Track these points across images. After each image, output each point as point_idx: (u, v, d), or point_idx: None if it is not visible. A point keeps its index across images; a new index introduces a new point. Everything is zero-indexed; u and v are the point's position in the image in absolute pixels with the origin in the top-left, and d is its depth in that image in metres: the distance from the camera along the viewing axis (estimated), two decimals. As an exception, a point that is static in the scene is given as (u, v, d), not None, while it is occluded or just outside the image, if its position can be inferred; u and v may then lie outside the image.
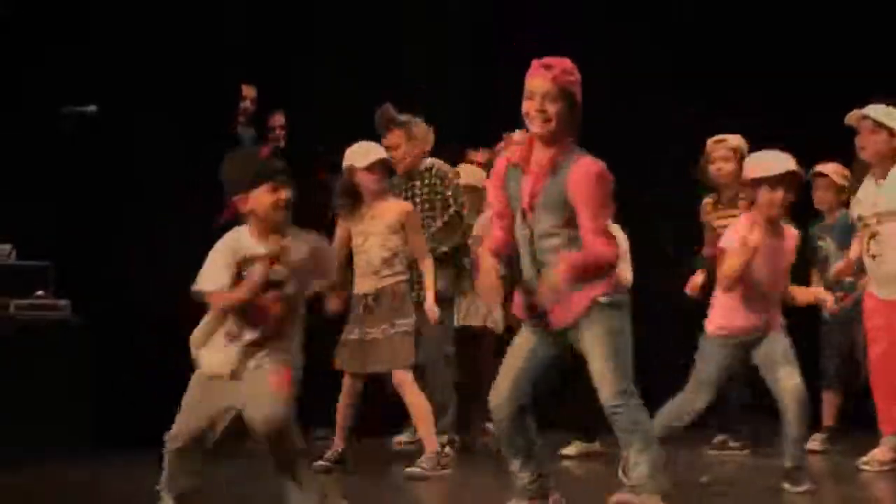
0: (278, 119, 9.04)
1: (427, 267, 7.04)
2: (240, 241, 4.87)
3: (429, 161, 7.72)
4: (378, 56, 9.66)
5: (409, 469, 6.84)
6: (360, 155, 7.01)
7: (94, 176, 8.52)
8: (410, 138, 7.53)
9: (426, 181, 7.63)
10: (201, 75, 8.84)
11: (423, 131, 7.62)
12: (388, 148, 7.35)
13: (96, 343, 8.17)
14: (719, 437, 8.00)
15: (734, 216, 6.93)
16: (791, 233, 6.23)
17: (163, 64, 8.76)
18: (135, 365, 8.39)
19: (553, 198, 4.84)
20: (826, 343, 8.10)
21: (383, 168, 7.04)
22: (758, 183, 5.99)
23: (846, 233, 7.58)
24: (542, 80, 4.82)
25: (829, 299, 6.75)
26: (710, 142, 7.80)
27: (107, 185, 8.59)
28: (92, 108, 8.25)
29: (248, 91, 8.96)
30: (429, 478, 6.76)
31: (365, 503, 6.11)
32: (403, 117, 7.57)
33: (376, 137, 7.46)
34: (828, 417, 8.03)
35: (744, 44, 9.84)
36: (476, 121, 9.54)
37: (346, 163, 7.05)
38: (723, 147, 7.70)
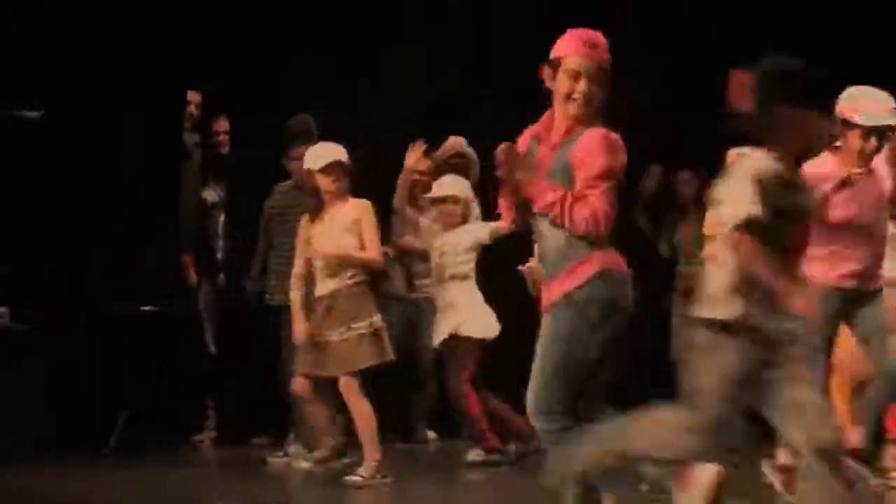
0: (222, 124, 8.99)
1: (369, 255, 7.02)
2: None
3: None
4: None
5: (348, 478, 6.82)
6: (316, 157, 7.03)
7: (35, 181, 8.48)
8: None
9: None
10: (150, 80, 8.82)
11: None
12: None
13: (37, 349, 8.13)
14: None
15: None
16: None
17: (107, 69, 8.72)
18: (77, 370, 8.35)
19: (558, 168, 4.53)
20: None
21: (340, 169, 7.02)
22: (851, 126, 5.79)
23: None
24: (586, 60, 4.53)
25: None
26: None
27: (46, 191, 8.54)
28: (35, 113, 8.20)
29: (193, 97, 8.92)
30: (368, 486, 6.75)
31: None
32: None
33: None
34: None
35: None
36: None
37: (305, 166, 7.08)
38: None
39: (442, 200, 7.69)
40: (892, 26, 9.03)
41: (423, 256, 8.08)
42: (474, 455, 7.60)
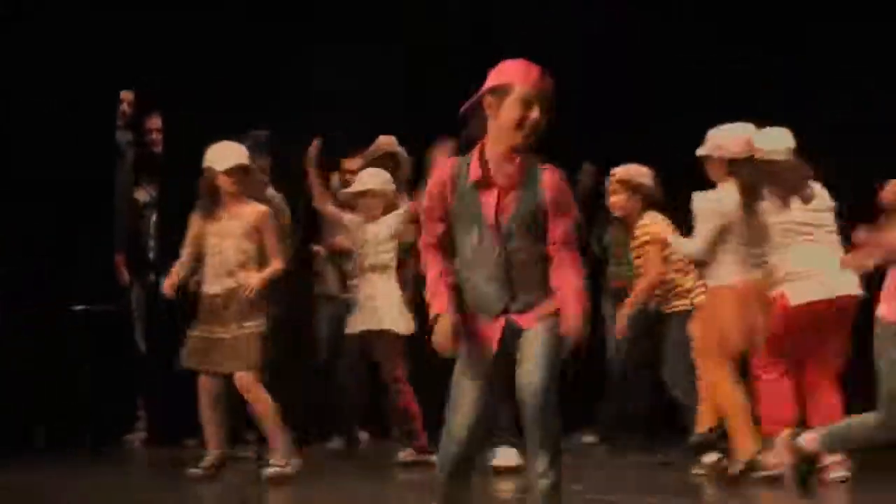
0: (154, 122, 8.95)
1: (275, 267, 7.07)
2: None
3: (270, 192, 7.96)
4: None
5: (267, 471, 6.87)
6: (221, 157, 7.07)
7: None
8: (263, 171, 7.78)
9: None
10: (80, 79, 8.78)
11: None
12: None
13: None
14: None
15: None
16: None
17: (36, 67, 8.67)
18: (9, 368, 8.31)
19: (525, 212, 4.46)
20: None
21: (242, 173, 7.10)
22: None
23: None
24: (538, 88, 4.47)
25: None
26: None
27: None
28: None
29: (126, 95, 8.88)
30: (286, 475, 6.79)
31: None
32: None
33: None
34: None
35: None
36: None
37: (206, 163, 7.10)
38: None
39: (362, 195, 7.82)
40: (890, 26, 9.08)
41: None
42: (406, 455, 7.63)
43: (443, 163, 4.67)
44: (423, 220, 4.57)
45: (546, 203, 4.45)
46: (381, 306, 7.66)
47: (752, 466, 6.64)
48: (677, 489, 6.80)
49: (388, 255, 7.74)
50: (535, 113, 4.43)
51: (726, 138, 6.89)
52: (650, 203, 7.45)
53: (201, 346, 6.96)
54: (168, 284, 7.06)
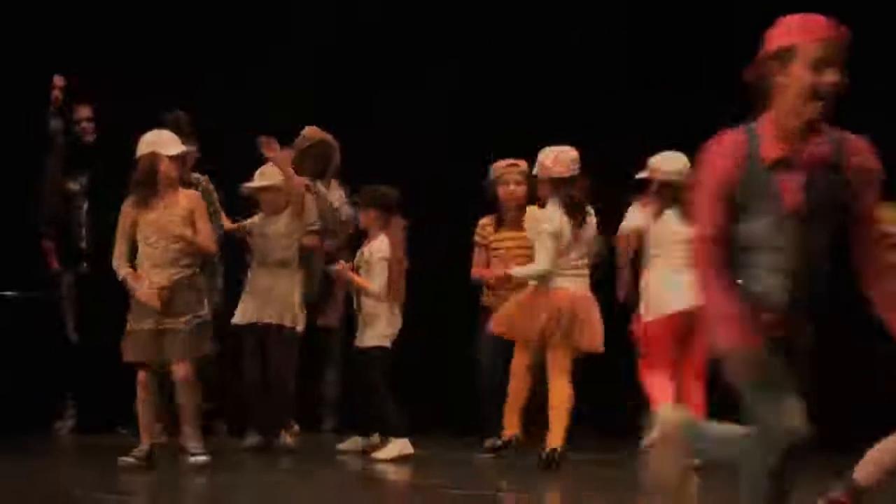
0: (84, 112, 8.89)
1: (211, 251, 7.27)
2: None
3: (196, 175, 8.05)
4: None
5: (192, 459, 6.98)
6: (165, 143, 7.09)
7: None
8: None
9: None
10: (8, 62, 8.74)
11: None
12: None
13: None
14: None
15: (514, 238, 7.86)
16: None
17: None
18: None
19: (833, 193, 3.87)
20: None
21: (182, 160, 7.25)
22: None
23: None
24: (835, 41, 3.80)
25: None
26: (501, 164, 8.10)
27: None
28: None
29: (57, 80, 8.82)
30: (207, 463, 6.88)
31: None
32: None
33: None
34: None
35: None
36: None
37: (147, 149, 7.07)
38: (516, 171, 8.00)
39: (264, 190, 7.96)
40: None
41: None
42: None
43: (724, 140, 3.91)
44: (700, 208, 3.90)
45: (854, 178, 3.86)
46: (277, 301, 7.86)
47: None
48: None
49: (289, 252, 7.93)
50: (829, 76, 3.77)
51: (552, 159, 7.38)
52: None
53: (147, 339, 6.95)
54: (142, 286, 6.99)
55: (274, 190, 7.94)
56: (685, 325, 7.06)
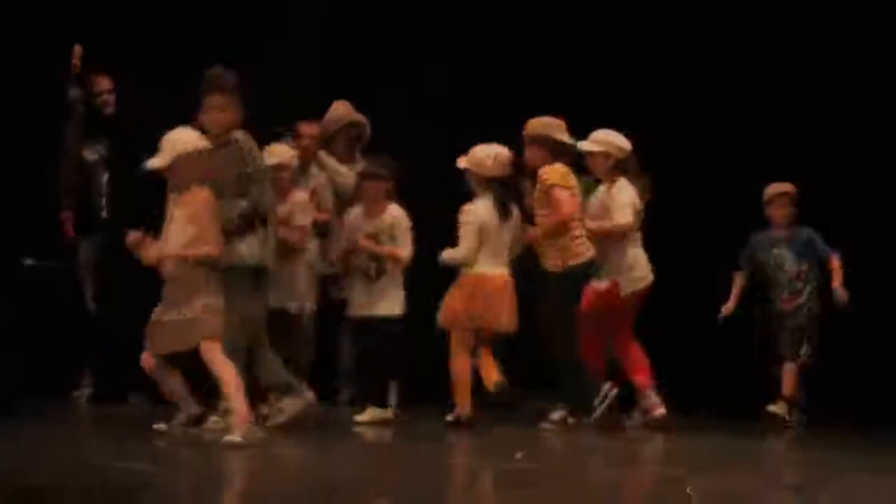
0: (104, 83, 8.92)
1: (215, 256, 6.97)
2: None
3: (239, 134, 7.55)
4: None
5: (225, 439, 6.96)
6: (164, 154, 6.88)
7: None
8: (234, 106, 7.35)
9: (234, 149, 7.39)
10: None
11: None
12: (213, 108, 7.27)
13: None
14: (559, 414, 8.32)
15: None
16: None
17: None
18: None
19: None
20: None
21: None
22: None
23: (805, 245, 9.06)
24: None
25: None
26: None
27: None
28: None
29: (76, 50, 8.85)
30: (244, 446, 6.86)
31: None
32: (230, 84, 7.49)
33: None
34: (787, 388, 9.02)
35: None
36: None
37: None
38: None
39: (272, 168, 7.71)
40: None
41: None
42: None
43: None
44: None
45: None
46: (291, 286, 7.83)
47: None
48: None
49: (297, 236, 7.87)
50: None
51: (492, 159, 8.03)
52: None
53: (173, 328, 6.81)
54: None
55: (282, 168, 7.84)
56: (640, 300, 8.31)
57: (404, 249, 8.04)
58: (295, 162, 8.02)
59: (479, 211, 8.04)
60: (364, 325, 8.09)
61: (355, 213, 8.22)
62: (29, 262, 8.87)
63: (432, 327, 8.12)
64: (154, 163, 6.84)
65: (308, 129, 8.64)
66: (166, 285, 6.83)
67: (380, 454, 7.06)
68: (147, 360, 6.91)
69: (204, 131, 7.12)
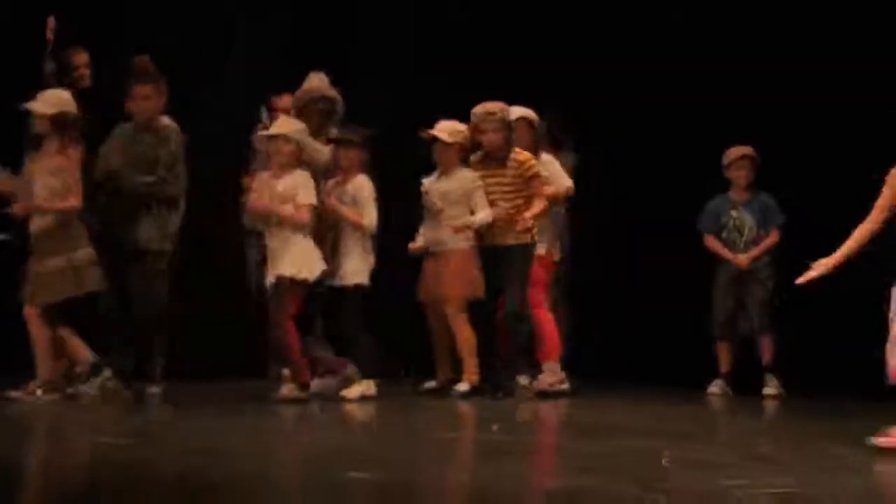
0: (80, 58, 8.87)
1: (75, 208, 7.67)
2: None
3: (165, 119, 8.02)
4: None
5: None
6: (50, 104, 7.69)
7: None
8: (160, 93, 7.88)
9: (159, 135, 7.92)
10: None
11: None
12: (141, 98, 7.84)
13: None
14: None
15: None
16: None
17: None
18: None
19: None
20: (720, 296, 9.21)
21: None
22: None
23: (763, 211, 9.13)
24: None
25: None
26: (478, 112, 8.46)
27: None
28: None
29: (49, 22, 8.81)
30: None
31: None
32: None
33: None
34: (724, 364, 9.22)
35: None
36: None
37: (41, 109, 7.71)
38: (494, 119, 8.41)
39: (274, 138, 7.86)
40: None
41: None
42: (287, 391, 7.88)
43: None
44: None
45: None
46: (289, 256, 7.80)
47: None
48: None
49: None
50: None
51: (451, 127, 8.33)
52: None
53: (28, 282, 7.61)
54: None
55: (284, 140, 7.88)
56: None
57: (366, 217, 8.08)
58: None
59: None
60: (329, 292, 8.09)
61: (330, 184, 8.24)
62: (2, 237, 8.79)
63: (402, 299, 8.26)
64: (38, 108, 7.74)
65: (282, 102, 8.69)
66: (38, 237, 7.53)
67: (357, 426, 7.10)
68: (30, 312, 7.45)
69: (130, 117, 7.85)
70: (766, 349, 9.12)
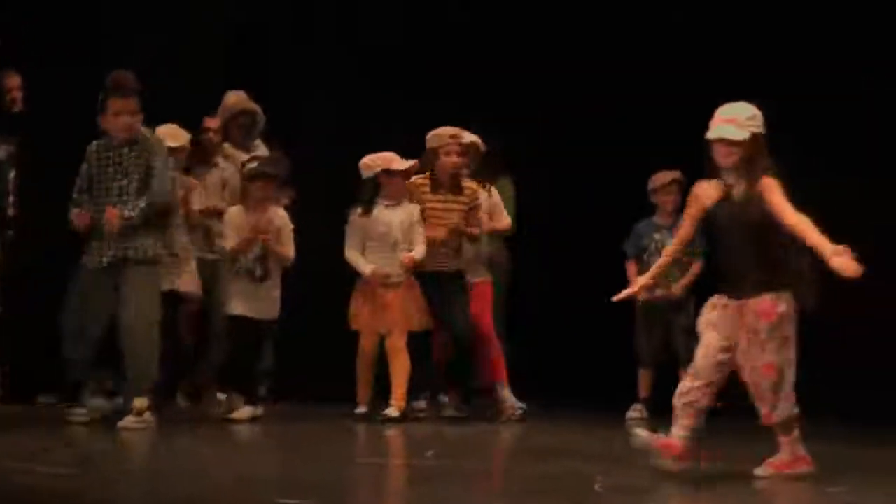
0: (12, 81, 8.78)
1: None
2: None
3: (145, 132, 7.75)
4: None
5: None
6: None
7: None
8: (137, 108, 7.55)
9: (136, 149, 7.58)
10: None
11: None
12: (117, 112, 7.43)
13: None
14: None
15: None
16: None
17: None
18: None
19: None
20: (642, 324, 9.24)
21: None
22: None
23: None
24: None
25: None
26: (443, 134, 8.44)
27: None
28: None
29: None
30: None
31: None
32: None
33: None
34: (643, 389, 9.15)
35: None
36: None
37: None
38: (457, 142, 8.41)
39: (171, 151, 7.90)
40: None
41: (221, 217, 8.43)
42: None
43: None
44: None
45: None
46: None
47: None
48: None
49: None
50: None
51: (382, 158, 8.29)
52: None
53: None
54: None
55: (180, 151, 8.03)
56: None
57: (291, 251, 8.13)
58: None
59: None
60: (243, 323, 8.11)
61: (237, 210, 8.23)
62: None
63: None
64: None
65: (212, 122, 8.74)
66: None
67: (288, 451, 7.05)
68: None
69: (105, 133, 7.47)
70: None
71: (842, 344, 8.53)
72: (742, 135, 5.63)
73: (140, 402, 7.29)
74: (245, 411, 8.02)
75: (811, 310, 5.67)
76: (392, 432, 7.77)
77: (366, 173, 8.29)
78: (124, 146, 7.49)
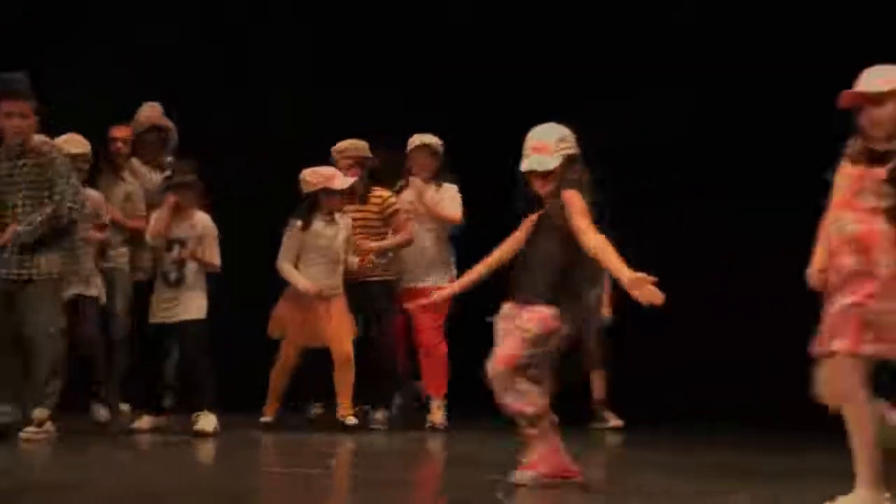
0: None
1: None
2: None
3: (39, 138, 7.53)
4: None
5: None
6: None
7: None
8: (32, 111, 7.37)
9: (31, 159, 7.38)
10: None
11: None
12: (12, 115, 7.28)
13: None
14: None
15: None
16: None
17: None
18: None
19: None
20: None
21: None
22: None
23: None
24: None
25: None
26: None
27: None
28: None
29: None
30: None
31: None
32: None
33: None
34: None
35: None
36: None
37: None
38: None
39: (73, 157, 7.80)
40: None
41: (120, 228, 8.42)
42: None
43: None
44: None
45: None
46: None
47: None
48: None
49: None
50: None
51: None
52: None
53: None
54: None
55: (81, 158, 7.96)
56: None
57: (215, 257, 8.06)
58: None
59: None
60: (167, 330, 8.05)
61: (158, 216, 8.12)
62: None
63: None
64: None
65: (120, 132, 8.59)
66: None
67: (191, 462, 6.99)
68: None
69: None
70: (598, 385, 9.15)
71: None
72: (552, 163, 5.54)
73: (40, 413, 7.21)
74: (147, 420, 7.97)
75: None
76: (298, 442, 7.73)
77: (306, 189, 8.26)
78: (19, 157, 7.34)
